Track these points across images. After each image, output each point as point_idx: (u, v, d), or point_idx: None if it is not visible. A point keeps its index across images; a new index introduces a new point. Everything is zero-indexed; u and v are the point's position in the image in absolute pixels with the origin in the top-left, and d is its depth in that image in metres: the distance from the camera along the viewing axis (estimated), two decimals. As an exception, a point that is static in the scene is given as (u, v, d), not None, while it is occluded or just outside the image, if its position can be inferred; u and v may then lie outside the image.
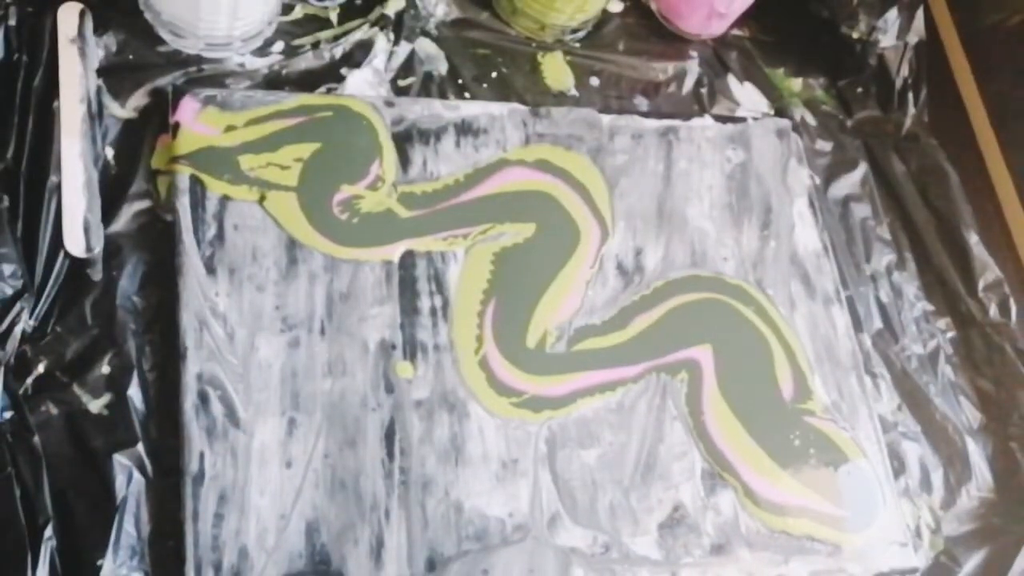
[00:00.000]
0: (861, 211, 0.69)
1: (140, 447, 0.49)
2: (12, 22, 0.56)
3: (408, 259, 0.56)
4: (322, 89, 0.61)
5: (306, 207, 0.56)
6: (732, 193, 0.65)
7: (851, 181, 0.70)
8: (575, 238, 0.60)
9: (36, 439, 0.48)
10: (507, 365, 0.55)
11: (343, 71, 0.62)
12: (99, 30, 0.58)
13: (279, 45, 0.62)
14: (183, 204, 0.54)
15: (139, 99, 0.58)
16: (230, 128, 0.56)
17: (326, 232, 0.55)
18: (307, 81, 0.61)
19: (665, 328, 0.59)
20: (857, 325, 0.64)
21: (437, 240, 0.57)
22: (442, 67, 0.65)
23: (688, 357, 0.58)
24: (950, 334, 0.66)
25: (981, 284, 0.67)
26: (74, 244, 0.52)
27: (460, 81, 0.65)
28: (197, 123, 0.56)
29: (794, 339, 0.61)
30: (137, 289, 0.53)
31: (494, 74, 0.66)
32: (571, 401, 0.55)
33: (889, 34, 0.71)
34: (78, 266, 0.52)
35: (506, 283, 0.57)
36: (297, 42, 0.62)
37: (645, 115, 0.65)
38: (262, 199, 0.55)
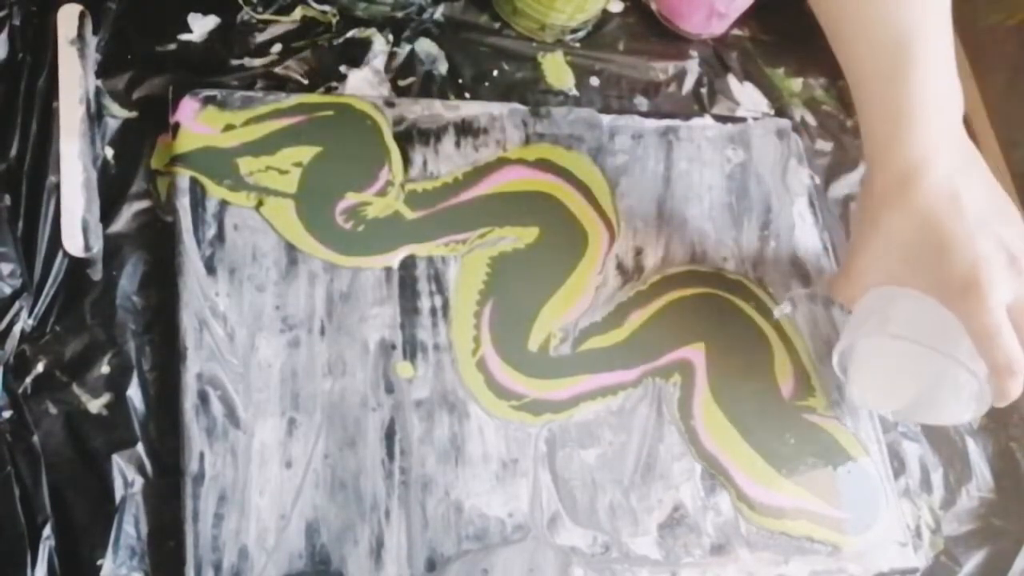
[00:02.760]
0: (861, 211, 0.69)
1: (140, 447, 0.49)
2: (16, 22, 0.56)
3: (408, 260, 0.56)
4: (322, 89, 0.61)
5: (304, 215, 0.55)
6: (732, 193, 0.65)
7: (851, 181, 0.70)
8: (583, 242, 0.60)
9: (35, 438, 0.48)
10: (506, 368, 0.55)
11: (343, 71, 0.62)
12: (99, 30, 0.58)
13: (278, 46, 0.62)
14: (183, 204, 0.54)
15: (139, 99, 0.58)
16: (229, 127, 0.56)
17: (325, 240, 0.55)
18: (307, 81, 0.61)
19: (660, 325, 0.58)
20: (857, 325, 0.64)
21: (439, 246, 0.57)
22: (442, 67, 0.65)
23: (681, 358, 0.58)
24: (950, 334, 0.66)
25: (981, 284, 0.67)
26: (72, 244, 0.52)
27: (460, 81, 0.65)
28: (197, 123, 0.56)
29: (796, 335, 0.60)
30: (137, 289, 0.53)
31: (494, 74, 0.66)
32: (572, 405, 0.55)
33: (889, 34, 0.71)
34: (78, 266, 0.52)
35: (505, 286, 0.57)
36: (296, 43, 0.62)
37: (645, 115, 0.65)
38: (259, 205, 0.55)
